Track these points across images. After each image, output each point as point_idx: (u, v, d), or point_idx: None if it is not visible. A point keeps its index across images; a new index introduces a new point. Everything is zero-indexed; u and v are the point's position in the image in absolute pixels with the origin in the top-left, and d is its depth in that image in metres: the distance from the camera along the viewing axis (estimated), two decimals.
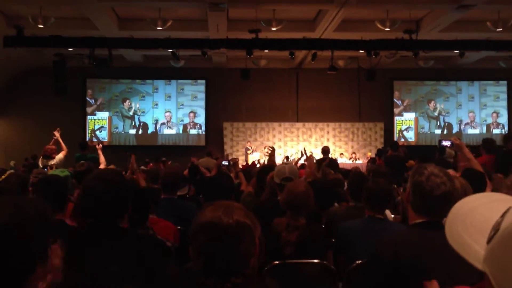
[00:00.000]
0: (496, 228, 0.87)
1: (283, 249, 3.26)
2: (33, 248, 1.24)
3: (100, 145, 7.81)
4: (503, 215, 0.88)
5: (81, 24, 12.60)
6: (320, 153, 10.95)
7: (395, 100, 18.29)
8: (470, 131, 18.20)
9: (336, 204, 4.66)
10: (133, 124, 17.69)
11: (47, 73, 13.61)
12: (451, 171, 5.31)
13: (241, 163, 14.35)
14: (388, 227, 3.33)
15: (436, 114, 18.33)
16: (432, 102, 18.29)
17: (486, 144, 7.41)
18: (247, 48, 11.82)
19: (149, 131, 17.66)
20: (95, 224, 2.18)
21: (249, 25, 11.51)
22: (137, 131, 17.68)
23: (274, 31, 11.98)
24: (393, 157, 9.44)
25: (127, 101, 17.67)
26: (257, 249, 1.53)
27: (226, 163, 7.81)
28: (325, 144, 16.54)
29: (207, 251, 1.47)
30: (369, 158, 15.15)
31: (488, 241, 0.89)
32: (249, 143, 16.77)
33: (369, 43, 11.87)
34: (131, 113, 17.67)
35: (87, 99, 17.57)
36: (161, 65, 17.10)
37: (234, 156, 15.02)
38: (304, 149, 8.42)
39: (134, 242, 2.18)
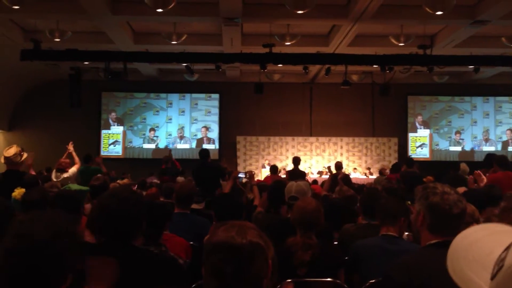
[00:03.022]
0: (499, 264, 0.85)
1: (297, 269, 3.23)
2: (65, 259, 1.37)
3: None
4: (506, 249, 0.86)
5: (97, 38, 12.75)
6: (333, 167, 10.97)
7: (409, 117, 18.19)
8: (485, 148, 18.01)
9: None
10: (148, 138, 17.76)
11: (63, 86, 13.77)
12: (462, 189, 5.27)
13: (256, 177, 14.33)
14: (402, 246, 3.29)
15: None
16: (458, 134, 18.14)
17: (501, 160, 7.29)
18: (261, 63, 11.87)
19: (163, 146, 17.71)
20: (107, 242, 2.18)
21: (263, 39, 11.56)
22: (151, 144, 17.75)
23: (288, 46, 12.01)
24: (409, 173, 9.36)
25: (150, 130, 17.81)
26: (270, 270, 1.52)
27: (243, 176, 7.80)
28: (338, 159, 16.51)
29: (219, 271, 1.46)
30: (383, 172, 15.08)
31: (492, 278, 0.87)
32: (266, 160, 16.70)
33: (383, 58, 11.85)
34: (147, 133, 17.77)
35: (102, 113, 17.70)
36: (175, 79, 17.22)
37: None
38: (329, 167, 8.59)
39: (146, 261, 2.18)
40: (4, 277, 1.32)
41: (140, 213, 2.26)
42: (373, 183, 8.67)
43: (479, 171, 6.30)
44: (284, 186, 4.58)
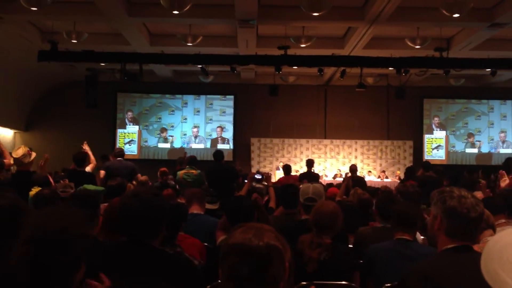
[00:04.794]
0: None
1: (306, 266, 3.24)
2: (77, 249, 1.52)
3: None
4: None
5: (113, 39, 12.85)
6: (348, 171, 10.94)
7: (425, 119, 18.06)
8: (503, 150, 17.82)
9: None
10: (162, 138, 17.85)
11: (79, 87, 13.89)
12: (478, 193, 5.23)
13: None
14: (417, 250, 3.28)
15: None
16: (472, 137, 17.99)
17: None
18: (275, 65, 11.87)
19: (178, 146, 17.79)
20: (128, 242, 2.19)
21: (278, 41, 11.56)
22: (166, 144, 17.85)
23: (303, 48, 11.99)
24: (426, 177, 9.29)
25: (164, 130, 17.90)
26: (286, 272, 1.51)
27: (259, 177, 7.76)
28: (353, 161, 16.45)
29: (236, 273, 1.46)
30: (398, 177, 15.01)
31: None
32: (281, 163, 16.64)
33: (398, 60, 11.77)
34: (163, 134, 17.86)
35: (117, 112, 17.83)
36: (190, 80, 17.28)
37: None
38: (346, 174, 8.56)
39: (164, 262, 2.19)
40: (24, 264, 1.47)
41: (161, 215, 2.27)
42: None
43: (503, 171, 6.24)
44: (296, 189, 4.59)
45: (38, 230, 1.52)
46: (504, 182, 6.25)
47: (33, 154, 6.17)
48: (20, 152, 6.01)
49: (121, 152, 8.73)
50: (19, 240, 1.51)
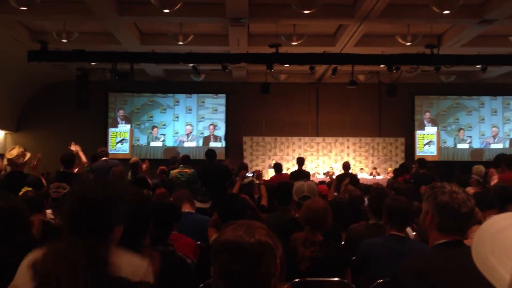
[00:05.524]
0: None
1: (299, 264, 3.25)
2: (113, 212, 1.85)
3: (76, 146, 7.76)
4: None
5: (104, 39, 12.79)
6: (341, 169, 10.94)
7: (416, 114, 18.13)
8: (493, 145, 17.93)
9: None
10: (153, 136, 17.82)
11: (70, 87, 13.81)
12: (470, 189, 5.27)
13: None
14: (409, 246, 3.30)
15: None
16: (462, 131, 18.08)
17: (509, 160, 7.25)
18: (267, 63, 11.86)
19: (169, 144, 17.75)
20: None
21: (270, 39, 11.55)
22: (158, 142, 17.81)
23: (294, 46, 12.01)
24: (421, 175, 9.32)
25: (155, 129, 17.88)
26: (278, 269, 1.52)
27: (250, 175, 7.78)
28: (345, 159, 16.48)
29: (228, 270, 1.46)
30: (389, 174, 15.05)
31: None
32: (273, 161, 16.66)
33: (390, 57, 11.82)
34: (155, 134, 17.84)
35: (109, 112, 17.77)
36: (182, 79, 17.24)
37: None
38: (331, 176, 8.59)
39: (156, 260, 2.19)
40: (74, 216, 1.80)
41: (145, 214, 2.28)
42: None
43: (493, 169, 6.30)
44: (291, 186, 4.60)
45: (80, 191, 1.87)
46: (494, 180, 6.30)
47: (28, 155, 6.11)
48: (14, 152, 5.94)
49: (103, 153, 8.66)
50: (70, 198, 1.87)
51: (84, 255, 1.69)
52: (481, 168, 9.07)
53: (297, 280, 3.10)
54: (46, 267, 1.68)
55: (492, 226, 1.02)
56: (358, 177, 11.39)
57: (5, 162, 6.13)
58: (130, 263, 1.86)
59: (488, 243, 0.99)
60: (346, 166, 10.26)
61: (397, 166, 12.99)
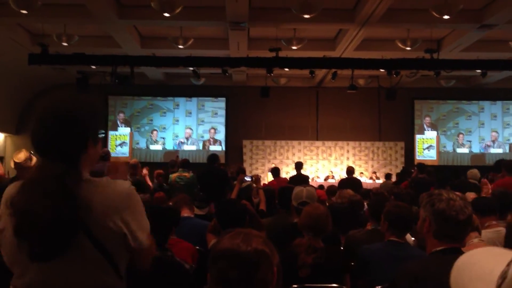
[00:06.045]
0: (503, 276, 0.87)
1: (299, 270, 3.24)
2: (85, 128, 1.70)
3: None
4: (508, 264, 0.88)
5: (104, 42, 12.81)
6: (342, 172, 10.92)
7: (416, 119, 18.13)
8: (493, 150, 17.94)
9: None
10: (152, 139, 17.82)
11: (70, 90, 13.82)
12: (471, 195, 5.26)
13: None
14: (408, 252, 3.29)
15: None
16: (461, 135, 18.09)
17: (509, 165, 7.26)
18: (267, 67, 11.87)
19: (169, 148, 17.76)
20: None
21: (270, 43, 11.57)
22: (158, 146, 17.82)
23: (294, 50, 12.01)
24: (419, 179, 9.32)
25: (154, 132, 17.87)
26: (275, 277, 1.52)
27: (249, 179, 7.77)
28: (345, 163, 16.49)
29: (225, 278, 1.47)
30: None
31: None
32: (273, 164, 16.66)
33: (389, 62, 11.83)
34: (155, 137, 17.84)
35: (109, 115, 17.77)
36: (181, 83, 17.25)
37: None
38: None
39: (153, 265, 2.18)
40: (36, 138, 1.76)
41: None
42: (379, 188, 8.64)
43: (485, 179, 6.30)
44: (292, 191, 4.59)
45: (48, 110, 1.81)
46: (486, 189, 6.33)
47: (34, 159, 6.10)
48: (22, 156, 5.92)
49: (103, 154, 8.65)
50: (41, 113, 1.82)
51: (52, 184, 1.59)
52: (476, 172, 9.09)
53: (295, 286, 3.10)
54: (21, 201, 1.59)
55: (467, 261, 1.06)
56: None
57: (12, 165, 6.12)
58: (105, 195, 1.66)
59: (466, 276, 1.02)
60: (350, 170, 10.25)
61: (397, 170, 13.00)
